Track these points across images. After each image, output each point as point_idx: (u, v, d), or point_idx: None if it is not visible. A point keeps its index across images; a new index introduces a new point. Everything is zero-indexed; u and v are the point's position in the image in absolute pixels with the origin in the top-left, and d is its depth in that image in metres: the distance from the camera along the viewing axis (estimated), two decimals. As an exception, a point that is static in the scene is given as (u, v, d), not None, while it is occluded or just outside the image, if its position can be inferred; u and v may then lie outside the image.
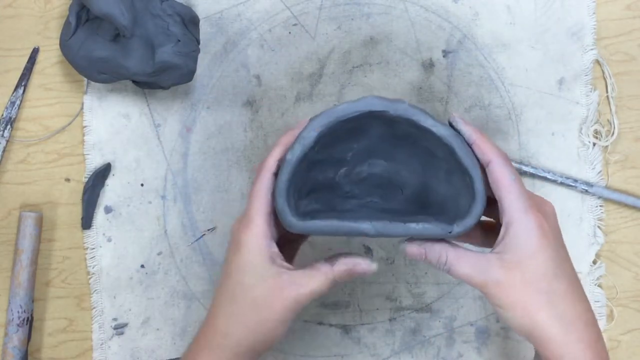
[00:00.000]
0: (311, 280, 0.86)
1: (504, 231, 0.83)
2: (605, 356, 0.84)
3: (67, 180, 1.10)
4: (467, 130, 0.85)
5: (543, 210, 0.84)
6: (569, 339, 0.81)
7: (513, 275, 0.82)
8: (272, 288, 0.84)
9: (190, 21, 1.04)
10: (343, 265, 0.86)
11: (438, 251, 0.84)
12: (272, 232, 0.86)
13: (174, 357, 1.10)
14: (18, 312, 1.06)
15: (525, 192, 0.83)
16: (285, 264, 0.86)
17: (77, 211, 1.10)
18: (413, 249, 0.85)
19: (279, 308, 0.85)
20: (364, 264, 0.86)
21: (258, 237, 0.85)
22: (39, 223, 1.08)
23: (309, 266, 0.87)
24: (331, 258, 0.87)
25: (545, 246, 0.81)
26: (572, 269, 0.85)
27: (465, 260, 0.83)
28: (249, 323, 0.85)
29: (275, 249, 0.86)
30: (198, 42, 1.05)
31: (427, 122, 0.84)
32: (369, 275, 0.88)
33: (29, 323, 1.07)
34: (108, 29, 1.01)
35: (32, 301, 1.08)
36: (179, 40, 1.02)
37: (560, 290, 0.82)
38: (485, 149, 0.84)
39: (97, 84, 1.09)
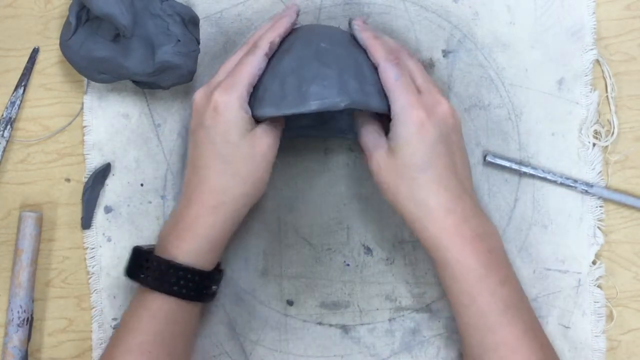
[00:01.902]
0: (275, 126, 0.98)
1: (392, 122, 0.94)
2: (481, 247, 0.93)
3: (67, 180, 1.10)
4: (361, 37, 0.99)
5: (432, 110, 0.93)
6: (429, 224, 0.93)
7: (390, 159, 0.93)
8: (252, 140, 0.95)
9: (190, 21, 1.04)
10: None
11: (365, 118, 0.99)
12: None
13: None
14: (18, 312, 1.06)
15: (413, 91, 0.94)
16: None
17: (77, 211, 1.10)
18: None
19: (263, 157, 0.96)
20: None
21: (240, 99, 0.95)
22: (39, 223, 1.08)
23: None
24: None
25: (420, 140, 0.91)
26: (449, 166, 0.94)
27: (372, 132, 0.97)
28: (244, 175, 0.96)
29: (250, 111, 0.97)
30: (198, 42, 1.05)
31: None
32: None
33: (29, 323, 1.07)
34: (108, 29, 1.01)
35: (32, 301, 1.08)
36: (179, 40, 1.02)
37: (425, 180, 0.92)
38: (374, 53, 0.97)
39: (97, 84, 1.10)
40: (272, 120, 0.97)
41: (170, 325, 0.95)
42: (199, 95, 0.98)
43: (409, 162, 0.92)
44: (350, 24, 1.01)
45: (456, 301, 0.94)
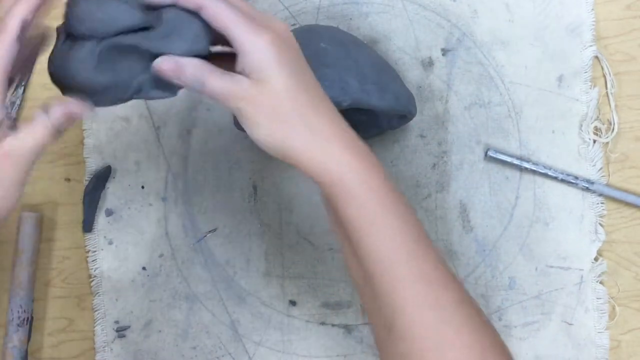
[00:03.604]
0: (30, 135, 0.81)
1: (243, 57, 0.79)
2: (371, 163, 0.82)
3: (67, 180, 1.11)
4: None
5: (274, 28, 0.81)
6: (326, 153, 0.81)
7: (259, 91, 0.79)
8: None
9: None
10: (58, 110, 0.82)
11: (193, 67, 0.80)
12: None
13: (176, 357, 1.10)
14: (18, 312, 1.06)
15: (248, 18, 0.80)
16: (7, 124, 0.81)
17: (77, 211, 1.10)
18: (166, 64, 0.81)
19: (8, 175, 0.80)
20: (77, 106, 0.83)
21: None
22: (39, 223, 1.09)
23: (27, 121, 0.82)
24: (45, 105, 0.83)
25: (285, 61, 0.80)
26: (316, 83, 0.84)
27: (220, 77, 0.80)
28: None
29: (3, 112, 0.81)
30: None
31: None
32: (89, 117, 0.84)
33: (29, 323, 1.07)
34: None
35: (32, 301, 1.08)
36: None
37: (305, 101, 0.81)
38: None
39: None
40: (27, 132, 0.81)
41: None
42: None
43: (283, 86, 0.80)
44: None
45: (356, 230, 0.81)
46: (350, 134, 0.83)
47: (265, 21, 0.82)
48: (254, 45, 0.79)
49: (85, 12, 0.78)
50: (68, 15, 0.79)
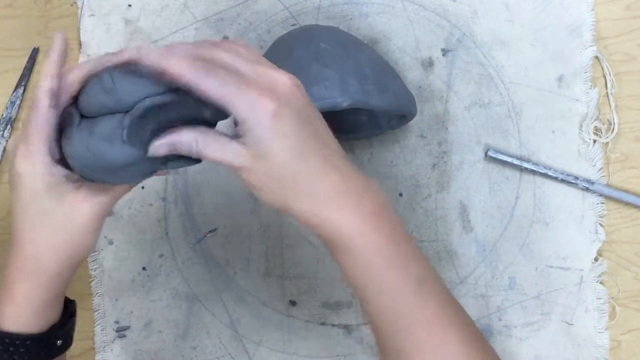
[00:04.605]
0: (104, 190, 0.83)
1: (241, 127, 0.76)
2: (383, 221, 0.81)
3: (68, 180, 1.11)
4: (150, 64, 0.76)
5: (274, 92, 0.77)
6: (325, 212, 0.79)
7: (261, 165, 0.77)
8: (72, 203, 0.82)
9: None
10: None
11: (187, 139, 0.78)
12: (58, 151, 0.82)
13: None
14: (18, 312, 1.06)
15: (244, 84, 0.76)
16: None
17: (78, 211, 1.10)
18: (161, 146, 0.79)
19: (84, 220, 0.83)
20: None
21: (42, 165, 0.80)
22: (40, 223, 1.09)
23: None
24: None
25: (281, 133, 0.76)
26: (320, 144, 0.80)
27: (215, 144, 0.78)
28: (57, 243, 0.83)
29: (64, 171, 0.81)
30: None
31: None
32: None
33: (30, 323, 1.07)
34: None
35: (33, 301, 1.08)
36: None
37: (306, 170, 0.78)
38: (174, 71, 0.75)
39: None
40: (106, 185, 0.83)
41: None
42: (9, 150, 0.85)
43: (283, 160, 0.77)
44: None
45: (363, 289, 0.82)
46: (361, 185, 0.81)
47: (267, 79, 0.78)
48: (252, 119, 0.76)
49: (110, 86, 0.77)
50: (84, 95, 0.78)
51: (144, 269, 1.11)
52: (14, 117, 1.10)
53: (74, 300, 0.93)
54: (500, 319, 1.09)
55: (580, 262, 1.08)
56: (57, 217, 0.82)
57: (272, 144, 0.76)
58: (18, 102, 1.10)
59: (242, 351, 1.10)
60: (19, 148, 0.81)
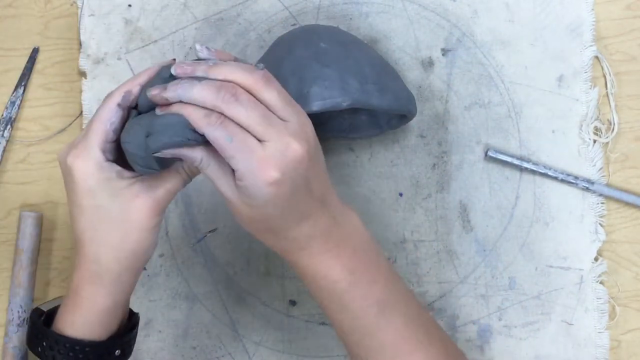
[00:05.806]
0: (164, 180, 0.85)
1: (240, 181, 0.79)
2: (345, 253, 0.88)
3: (68, 180, 1.11)
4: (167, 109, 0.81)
5: (283, 160, 0.79)
6: (295, 255, 0.87)
7: (246, 206, 0.81)
8: (126, 200, 0.83)
9: None
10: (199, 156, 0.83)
11: (194, 155, 0.81)
12: (113, 154, 0.85)
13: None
14: (18, 312, 1.06)
15: (254, 147, 0.78)
16: (132, 173, 0.85)
17: (78, 211, 1.10)
18: (170, 153, 0.81)
19: (140, 216, 0.84)
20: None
21: (96, 163, 0.83)
22: (39, 223, 1.08)
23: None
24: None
25: (276, 198, 0.79)
26: (307, 200, 0.83)
27: (215, 171, 0.81)
28: (114, 242, 0.84)
29: (117, 167, 0.84)
30: None
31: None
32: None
33: (30, 323, 1.07)
34: None
35: (32, 301, 1.08)
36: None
37: (285, 223, 0.83)
38: (190, 120, 0.79)
39: (96, 84, 1.10)
40: (158, 175, 0.86)
41: None
42: (60, 157, 0.86)
43: (269, 215, 0.82)
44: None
45: (329, 312, 0.90)
46: (328, 225, 0.86)
47: (280, 144, 0.79)
48: (250, 180, 0.79)
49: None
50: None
51: (144, 268, 1.11)
52: (14, 117, 1.10)
53: (137, 313, 0.94)
54: (500, 319, 1.09)
55: (580, 262, 1.08)
56: (112, 213, 0.84)
57: (264, 204, 0.80)
58: (18, 102, 1.10)
59: (242, 351, 1.10)
60: (72, 148, 0.84)
